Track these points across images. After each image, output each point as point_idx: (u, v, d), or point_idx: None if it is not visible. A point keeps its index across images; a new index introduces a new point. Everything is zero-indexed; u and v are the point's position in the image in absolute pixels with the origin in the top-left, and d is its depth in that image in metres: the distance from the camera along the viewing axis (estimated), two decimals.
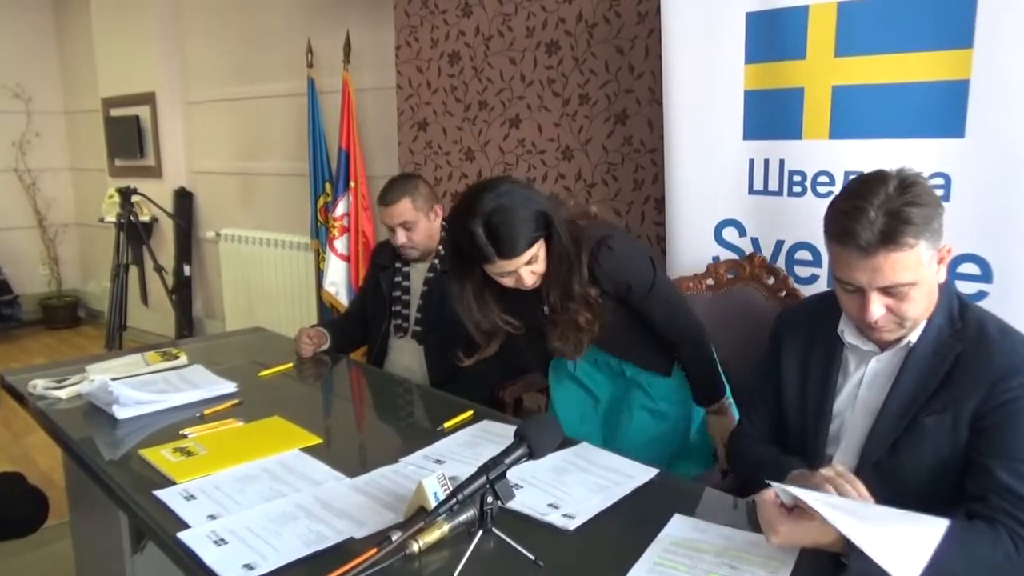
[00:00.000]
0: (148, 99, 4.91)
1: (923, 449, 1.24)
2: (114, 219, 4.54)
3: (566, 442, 1.41)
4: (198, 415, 1.68)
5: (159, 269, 4.25)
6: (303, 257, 4.07)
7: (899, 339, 1.27)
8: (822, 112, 1.99)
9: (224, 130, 4.67)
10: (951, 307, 1.26)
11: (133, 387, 1.76)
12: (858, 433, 1.33)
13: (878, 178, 1.23)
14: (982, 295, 1.84)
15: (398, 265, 2.35)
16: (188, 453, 1.47)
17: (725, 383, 1.83)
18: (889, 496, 1.15)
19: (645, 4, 2.61)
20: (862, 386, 1.33)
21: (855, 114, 1.95)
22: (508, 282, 1.60)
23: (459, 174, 3.26)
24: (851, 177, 1.93)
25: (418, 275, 2.32)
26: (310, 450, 1.48)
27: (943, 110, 1.84)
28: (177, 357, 2.07)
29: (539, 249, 1.58)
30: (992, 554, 1.10)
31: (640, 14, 2.62)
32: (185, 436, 1.56)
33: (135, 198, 4.34)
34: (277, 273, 4.27)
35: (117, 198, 4.58)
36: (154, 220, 4.96)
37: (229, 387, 1.84)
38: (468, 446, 1.50)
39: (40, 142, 5.76)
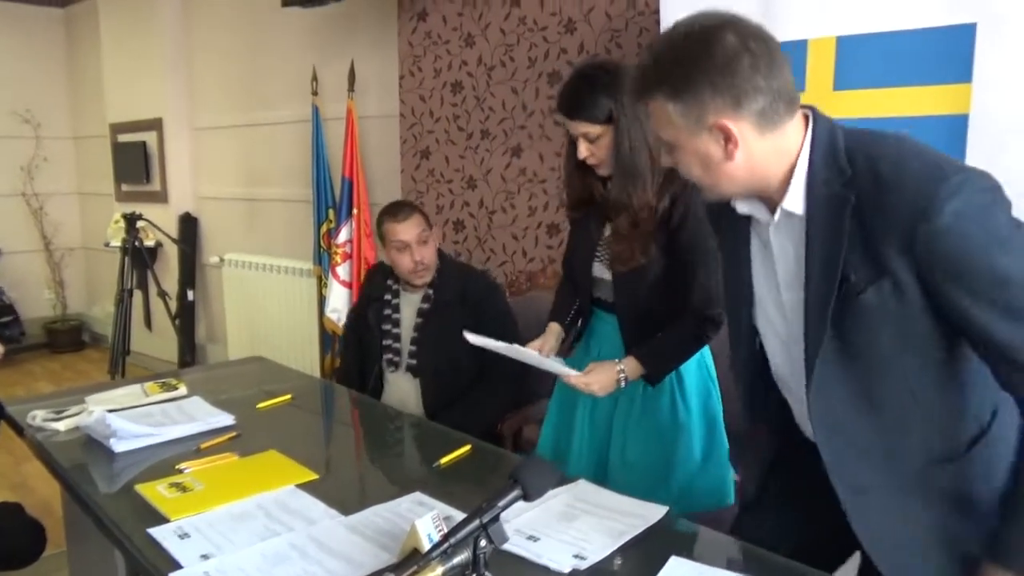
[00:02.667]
0: (155, 125, 4.96)
1: (872, 322, 1.08)
2: (119, 244, 4.56)
3: (561, 480, 1.40)
4: (195, 448, 1.68)
5: (163, 294, 4.26)
6: (306, 283, 4.08)
7: (775, 205, 1.13)
8: None
9: (230, 156, 4.70)
10: (835, 157, 1.08)
11: (131, 420, 1.76)
12: (791, 326, 1.19)
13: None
14: None
15: (387, 297, 2.32)
16: (184, 489, 1.46)
17: (682, 376, 1.75)
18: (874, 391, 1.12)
19: (646, 36, 2.63)
20: (776, 264, 1.19)
21: None
22: (580, 151, 1.64)
23: (461, 202, 3.27)
24: None
25: (409, 306, 2.29)
26: (306, 486, 1.47)
27: (943, 144, 1.84)
28: (176, 388, 2.06)
29: (603, 132, 1.60)
30: None
31: (640, 46, 2.64)
32: (182, 471, 1.55)
33: (140, 223, 4.36)
34: (280, 299, 4.28)
35: (123, 223, 4.60)
36: (159, 245, 4.98)
37: (227, 419, 1.83)
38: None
39: (48, 167, 5.82)
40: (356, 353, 2.41)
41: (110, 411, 1.80)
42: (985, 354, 1.07)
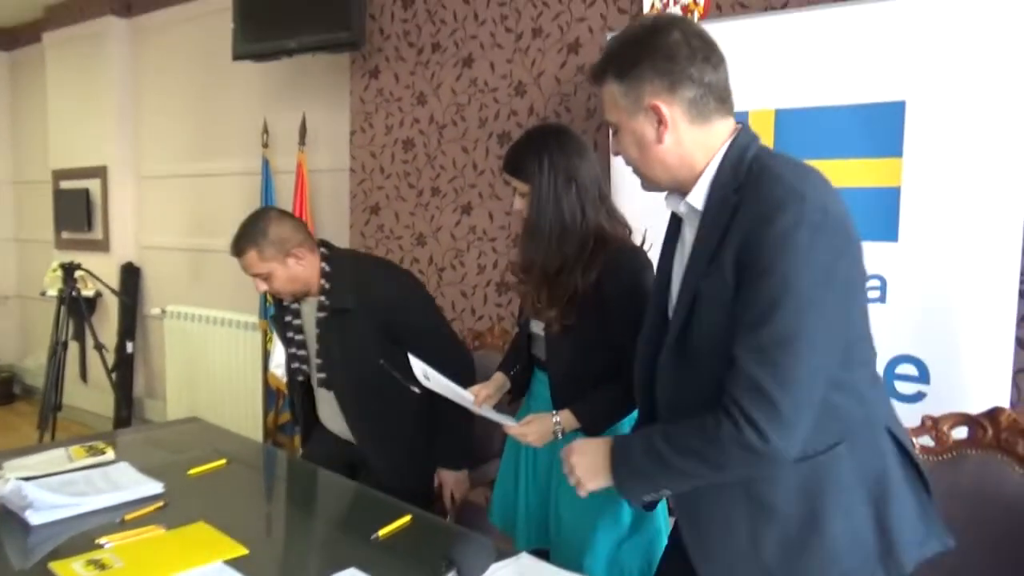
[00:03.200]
0: (100, 172, 4.85)
1: (707, 316, 1.16)
2: (56, 293, 4.41)
3: (502, 554, 1.35)
4: (119, 520, 1.59)
5: (99, 347, 4.11)
6: (250, 337, 3.98)
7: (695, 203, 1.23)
8: None
9: (175, 206, 4.62)
10: (739, 164, 1.17)
11: (51, 488, 1.66)
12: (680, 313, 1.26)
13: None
14: (920, 396, 1.87)
15: (286, 303, 2.14)
16: (102, 566, 1.37)
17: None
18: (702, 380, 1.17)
19: (594, 101, 2.68)
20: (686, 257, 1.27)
21: None
22: (514, 204, 1.70)
23: (410, 259, 3.25)
24: None
25: (308, 318, 2.12)
26: (234, 562, 1.40)
27: (877, 215, 1.90)
28: (103, 452, 1.97)
29: (529, 191, 1.63)
30: (695, 438, 1.13)
31: (589, 110, 2.70)
32: (101, 546, 1.46)
33: (78, 273, 4.23)
34: (223, 352, 4.16)
35: (60, 272, 4.46)
36: (98, 295, 4.83)
37: (155, 488, 1.74)
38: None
39: None
40: None
41: (27, 479, 1.70)
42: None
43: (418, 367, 1.67)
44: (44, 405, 4.05)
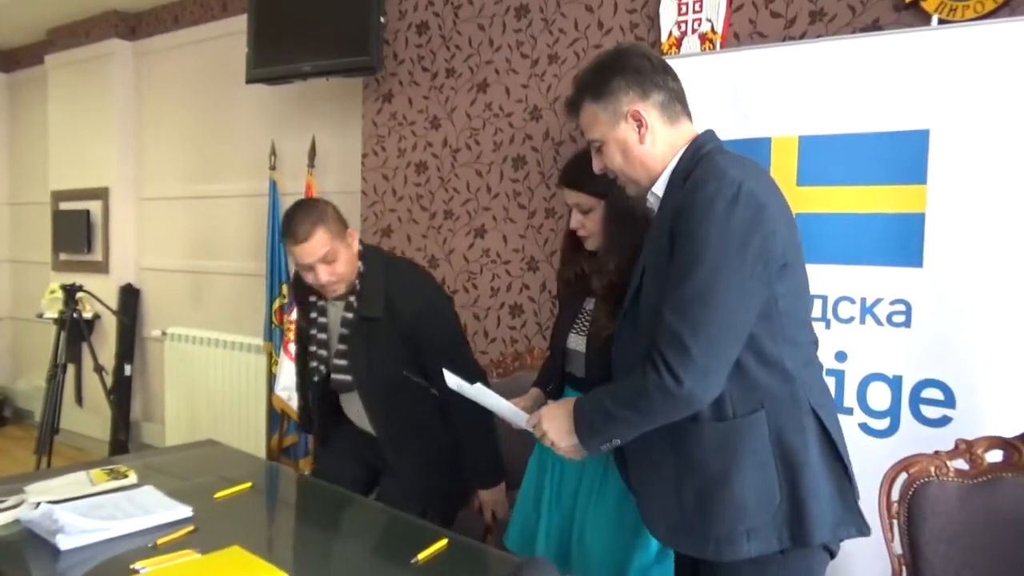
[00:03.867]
0: (101, 194, 4.82)
1: (650, 285, 1.34)
2: (55, 315, 4.36)
3: None
4: (151, 545, 1.56)
5: (99, 369, 4.06)
6: (254, 360, 3.95)
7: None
8: None
9: (178, 227, 4.60)
10: (692, 158, 1.36)
11: (79, 512, 1.63)
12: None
13: None
14: (946, 420, 1.88)
15: (312, 299, 2.12)
16: None
17: None
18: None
19: None
20: None
21: (817, 241, 2.02)
22: (572, 221, 1.74)
23: None
24: (814, 299, 2.01)
25: (334, 315, 2.09)
26: None
27: (901, 240, 1.93)
28: (126, 476, 1.94)
29: (596, 205, 1.68)
30: (630, 389, 1.30)
31: None
32: (137, 572, 1.44)
33: (79, 295, 4.18)
34: (225, 375, 4.13)
35: (60, 294, 4.40)
36: (96, 317, 4.78)
37: (184, 512, 1.72)
38: None
39: None
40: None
41: (53, 502, 1.68)
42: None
43: (452, 380, 1.67)
44: (43, 428, 3.98)
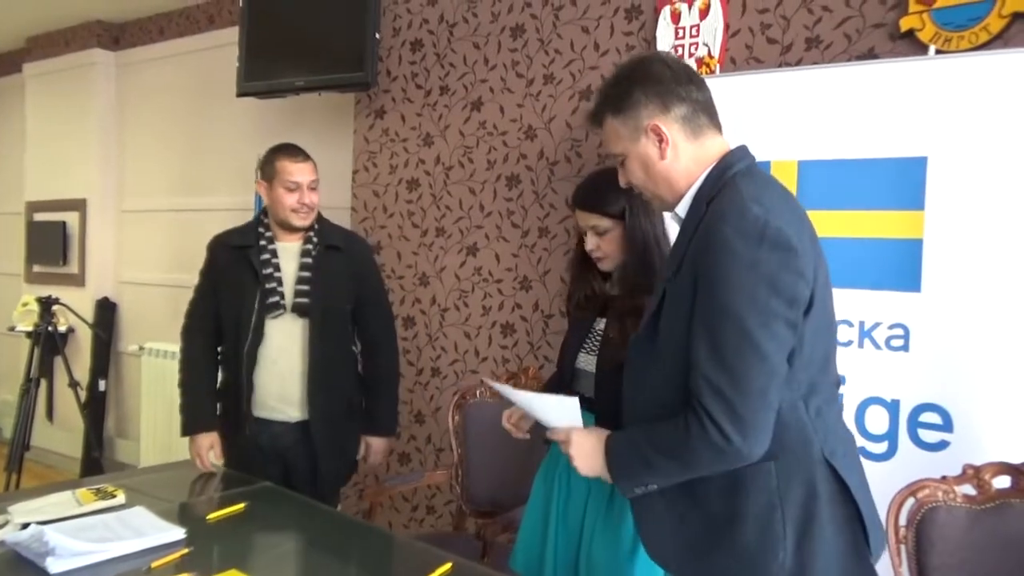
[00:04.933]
0: (78, 205, 4.73)
1: (673, 315, 1.27)
2: (28, 328, 4.24)
3: None
4: (145, 568, 1.51)
5: (74, 384, 3.95)
6: None
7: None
8: None
9: (158, 241, 4.51)
10: (718, 179, 1.30)
11: (69, 534, 1.57)
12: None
13: None
14: (944, 444, 1.90)
15: (263, 243, 2.30)
16: None
17: None
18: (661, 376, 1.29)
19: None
20: None
21: None
22: (588, 244, 1.73)
23: (412, 299, 3.22)
24: None
25: (287, 253, 2.30)
26: None
27: (900, 265, 1.95)
28: (114, 496, 1.88)
29: (613, 227, 1.67)
30: (671, 438, 1.23)
31: (601, 156, 2.73)
32: None
33: (55, 308, 4.08)
34: None
35: (33, 306, 4.29)
36: (71, 330, 4.66)
37: (177, 534, 1.66)
38: None
39: None
40: (212, 311, 2.35)
41: (41, 523, 1.62)
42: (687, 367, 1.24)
43: (496, 385, 1.66)
44: (14, 444, 3.86)
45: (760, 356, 1.16)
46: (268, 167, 2.32)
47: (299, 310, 2.26)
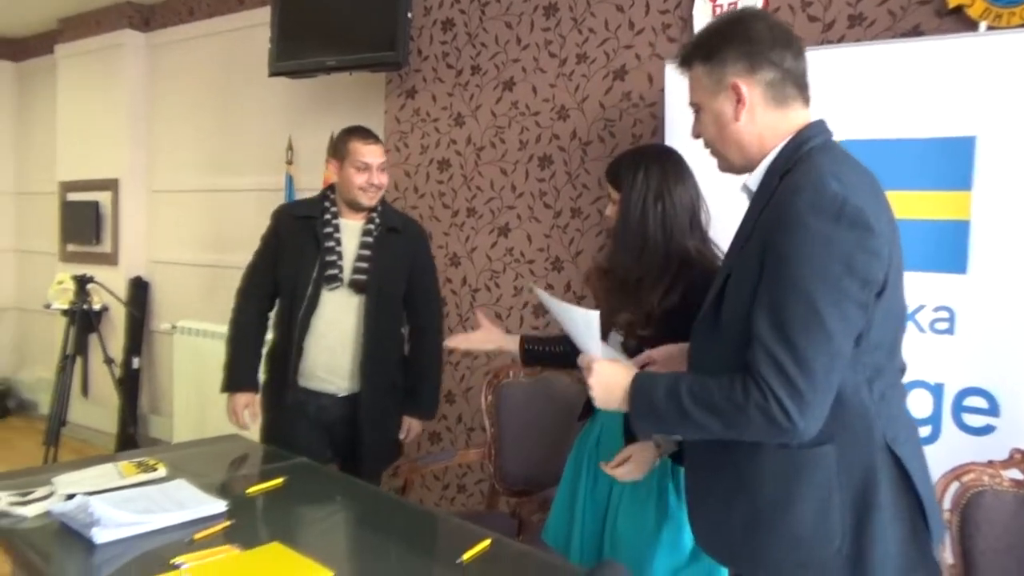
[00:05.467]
0: (111, 185, 4.78)
1: (739, 288, 1.23)
2: (63, 306, 4.32)
3: None
4: (188, 540, 1.53)
5: (109, 361, 4.02)
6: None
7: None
8: None
9: (189, 220, 4.56)
10: (794, 152, 1.25)
11: (113, 505, 1.60)
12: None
13: None
14: (990, 428, 1.87)
15: (327, 217, 2.35)
16: None
17: None
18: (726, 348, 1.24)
19: (640, 127, 2.70)
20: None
21: None
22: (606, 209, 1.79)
23: (443, 279, 3.22)
24: None
25: (349, 230, 2.36)
26: None
27: (945, 247, 1.91)
28: (155, 469, 1.91)
29: (615, 197, 1.71)
30: (721, 398, 1.19)
31: (635, 136, 2.71)
32: (177, 567, 1.41)
33: (90, 286, 4.14)
34: None
35: (68, 284, 4.36)
36: (104, 308, 4.73)
37: (218, 506, 1.69)
38: None
39: None
40: (270, 276, 2.41)
41: (85, 494, 1.65)
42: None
43: (542, 294, 1.63)
44: (52, 419, 3.94)
45: (826, 335, 1.12)
46: (340, 147, 2.35)
47: (356, 286, 2.31)
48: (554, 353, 1.95)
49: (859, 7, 2.27)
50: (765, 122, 1.27)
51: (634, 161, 1.72)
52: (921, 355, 1.93)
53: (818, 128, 1.28)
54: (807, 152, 1.24)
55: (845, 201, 1.13)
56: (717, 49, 1.28)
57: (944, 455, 1.84)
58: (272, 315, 2.46)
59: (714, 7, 2.52)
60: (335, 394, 2.35)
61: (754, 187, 1.30)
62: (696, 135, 1.37)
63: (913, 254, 1.94)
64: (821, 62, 2.10)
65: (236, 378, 2.40)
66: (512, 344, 2.00)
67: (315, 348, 2.32)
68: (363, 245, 2.34)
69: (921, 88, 1.95)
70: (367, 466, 2.36)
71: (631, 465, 1.63)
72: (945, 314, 1.91)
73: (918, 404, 1.93)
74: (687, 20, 2.58)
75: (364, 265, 2.32)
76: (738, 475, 1.27)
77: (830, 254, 1.12)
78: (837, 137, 2.08)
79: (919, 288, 1.93)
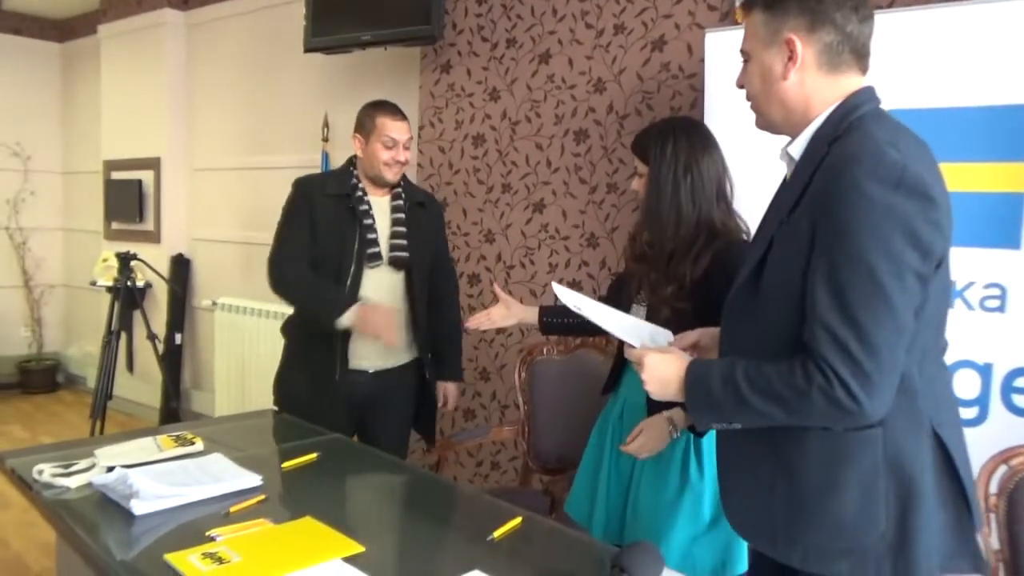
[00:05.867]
0: (153, 164, 4.86)
1: (783, 259, 1.19)
2: (108, 283, 4.41)
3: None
4: (224, 513, 1.55)
5: (152, 337, 4.10)
6: None
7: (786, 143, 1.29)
8: None
9: (229, 198, 4.61)
10: (841, 120, 1.20)
11: (151, 477, 1.63)
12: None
13: None
14: None
15: (359, 194, 2.32)
16: (220, 560, 1.34)
17: None
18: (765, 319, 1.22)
19: (679, 99, 2.63)
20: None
21: None
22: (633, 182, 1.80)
23: (477, 255, 3.21)
24: None
25: (378, 207, 2.34)
26: (354, 560, 1.35)
27: (998, 221, 1.83)
28: (193, 443, 1.93)
29: (646, 172, 1.72)
30: (782, 385, 1.13)
31: (674, 108, 2.64)
32: (213, 539, 1.42)
33: (133, 263, 4.22)
34: (276, 345, 4.10)
35: (113, 262, 4.45)
36: (148, 285, 4.83)
37: (254, 480, 1.70)
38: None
39: (34, 200, 5.67)
40: (307, 249, 2.32)
41: (125, 467, 1.68)
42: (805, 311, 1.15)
43: (569, 297, 1.64)
44: (98, 393, 4.04)
45: (891, 310, 1.07)
46: (367, 122, 2.32)
47: (396, 263, 2.32)
48: (572, 324, 1.95)
49: None
50: (815, 86, 1.22)
51: (661, 133, 1.70)
52: (970, 334, 1.86)
53: (868, 95, 1.22)
54: (857, 119, 1.18)
55: (905, 169, 1.08)
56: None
57: (992, 437, 1.78)
58: None
59: None
60: (367, 370, 2.35)
61: (797, 155, 1.24)
62: (740, 85, 1.32)
63: (963, 228, 1.86)
64: (875, 29, 2.02)
65: (342, 301, 2.23)
66: (532, 316, 2.03)
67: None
68: (396, 222, 2.34)
69: (972, 55, 1.86)
70: (422, 430, 2.49)
71: (644, 438, 1.66)
72: (996, 291, 1.83)
73: (965, 384, 1.86)
74: None
75: (403, 242, 2.32)
76: (781, 459, 1.22)
77: (892, 224, 1.06)
78: (885, 106, 2.02)
79: (969, 264, 1.86)
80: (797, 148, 1.25)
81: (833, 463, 1.17)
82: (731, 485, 1.35)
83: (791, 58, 1.21)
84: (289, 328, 2.51)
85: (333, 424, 2.18)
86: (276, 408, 2.43)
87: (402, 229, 2.33)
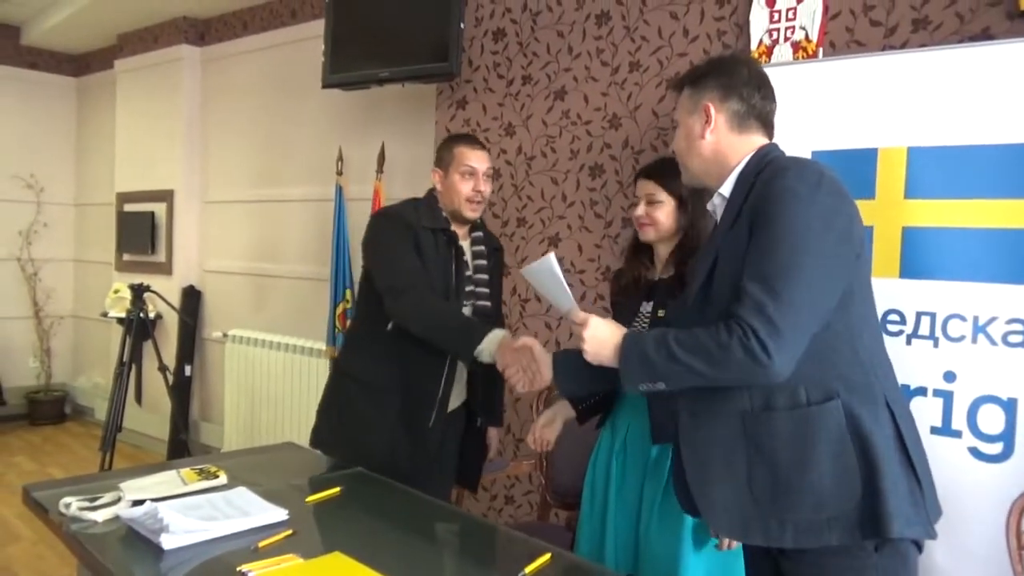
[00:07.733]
0: (166, 196, 4.90)
1: (728, 264, 1.37)
2: (120, 314, 4.42)
3: None
4: (252, 548, 1.54)
5: (163, 368, 4.10)
6: (315, 363, 3.97)
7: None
8: (892, 251, 2.00)
9: (241, 231, 4.64)
10: (762, 160, 1.43)
11: (179, 511, 1.62)
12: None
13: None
14: None
15: (453, 229, 2.17)
16: None
17: None
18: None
19: None
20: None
21: (927, 255, 1.95)
22: (636, 211, 1.91)
23: None
24: (922, 316, 1.95)
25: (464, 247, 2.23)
26: None
27: (1018, 256, 1.85)
28: (217, 476, 1.93)
29: (667, 201, 1.84)
30: (707, 339, 1.31)
31: None
32: (245, 575, 1.42)
33: (146, 295, 4.24)
34: (286, 378, 4.14)
35: (125, 293, 4.47)
36: (159, 317, 4.85)
37: (280, 515, 1.70)
38: None
39: (47, 232, 5.71)
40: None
41: (153, 500, 1.67)
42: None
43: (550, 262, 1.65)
44: (108, 426, 4.03)
45: (806, 282, 1.26)
46: (445, 154, 2.20)
47: (480, 312, 2.17)
48: (599, 401, 1.99)
49: (924, 10, 2.22)
50: (728, 142, 1.48)
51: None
52: (992, 369, 1.87)
53: (775, 147, 1.49)
54: (775, 158, 1.43)
55: (823, 174, 1.33)
56: (702, 77, 1.51)
57: (1017, 473, 1.78)
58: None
59: (771, 12, 2.48)
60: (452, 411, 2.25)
61: (727, 192, 1.46)
62: (672, 149, 1.59)
63: (984, 264, 1.90)
64: (883, 69, 2.06)
65: (479, 331, 1.97)
66: (570, 411, 2.06)
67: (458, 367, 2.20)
68: (478, 269, 2.22)
69: (991, 94, 1.90)
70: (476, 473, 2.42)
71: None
72: (1019, 326, 1.84)
73: (988, 420, 1.86)
74: (743, 27, 2.55)
75: (485, 290, 2.20)
76: (756, 446, 1.35)
77: (812, 213, 1.28)
78: (903, 144, 2.05)
79: (992, 299, 1.88)
80: (727, 187, 1.47)
81: (802, 438, 1.31)
82: (709, 494, 1.42)
83: (707, 121, 1.48)
84: (355, 364, 2.24)
85: (424, 483, 2.01)
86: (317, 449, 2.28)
87: (484, 277, 2.21)
